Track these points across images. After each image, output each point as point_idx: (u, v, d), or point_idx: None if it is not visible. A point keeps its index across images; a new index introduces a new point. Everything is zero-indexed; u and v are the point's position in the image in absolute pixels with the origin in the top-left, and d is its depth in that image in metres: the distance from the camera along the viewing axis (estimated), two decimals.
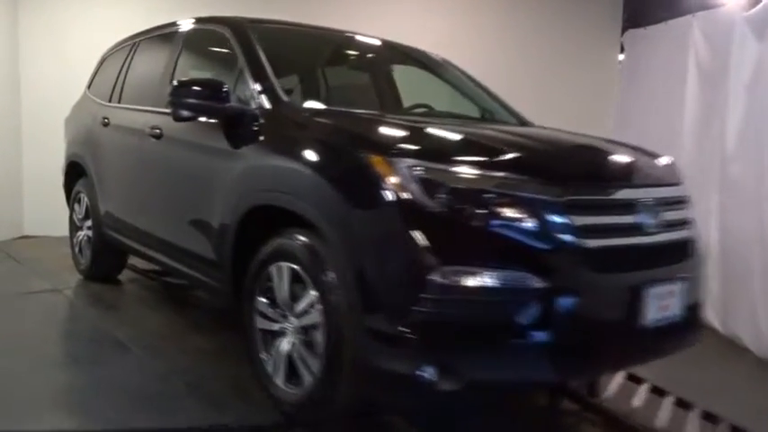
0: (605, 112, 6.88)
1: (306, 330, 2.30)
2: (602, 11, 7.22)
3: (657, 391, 3.06)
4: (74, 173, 4.49)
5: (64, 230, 5.17)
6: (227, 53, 3.06)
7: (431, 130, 2.46)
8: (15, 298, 3.99)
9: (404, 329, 1.97)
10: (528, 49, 6.97)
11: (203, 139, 2.93)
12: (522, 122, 3.49)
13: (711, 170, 4.60)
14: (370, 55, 3.69)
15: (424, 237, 1.97)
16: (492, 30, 6.87)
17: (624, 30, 7.10)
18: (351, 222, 2.13)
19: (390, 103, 3.70)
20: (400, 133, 2.35)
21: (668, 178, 2.54)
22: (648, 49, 6.47)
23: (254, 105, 2.71)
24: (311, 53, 3.39)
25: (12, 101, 6.02)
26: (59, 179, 4.83)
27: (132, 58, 4.12)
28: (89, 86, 4.74)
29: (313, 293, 2.24)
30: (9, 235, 5.99)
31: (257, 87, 2.74)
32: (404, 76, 3.70)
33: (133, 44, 4.21)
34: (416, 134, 2.38)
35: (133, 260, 4.40)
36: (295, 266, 2.33)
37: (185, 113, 2.76)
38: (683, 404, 2.97)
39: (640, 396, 3.02)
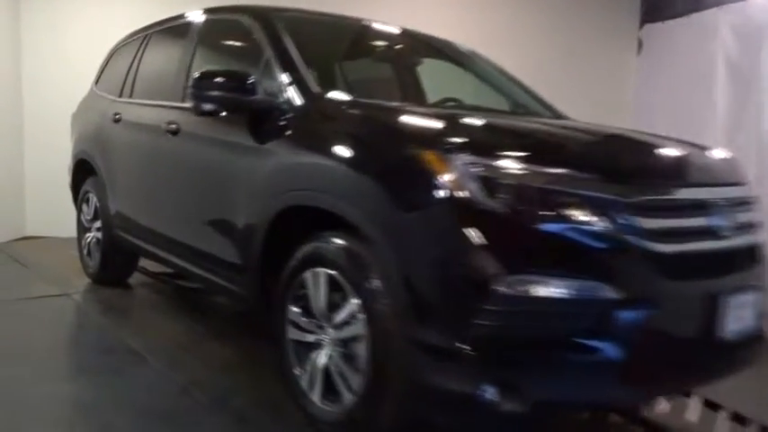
0: (621, 107, 6.71)
1: (346, 343, 2.10)
2: (619, 6, 7.04)
3: (711, 405, 2.86)
4: (82, 172, 4.29)
5: (68, 231, 5.13)
6: (249, 44, 2.87)
7: (482, 124, 2.26)
8: (20, 303, 3.78)
9: (462, 345, 1.78)
10: (543, 44, 6.79)
11: (226, 134, 2.73)
12: (558, 116, 3.30)
13: (748, 164, 4.42)
14: (400, 45, 3.49)
15: (485, 241, 1.77)
16: (505, 23, 6.70)
17: (642, 24, 6.95)
18: (399, 224, 1.93)
19: (416, 97, 3.51)
20: (451, 126, 2.15)
21: (734, 177, 2.34)
22: (669, 43, 6.31)
23: (282, 98, 2.52)
24: (338, 43, 3.19)
25: (14, 99, 5.90)
26: (62, 178, 4.68)
27: (144, 52, 3.92)
28: (97, 82, 4.54)
29: (354, 302, 2.04)
30: (11, 236, 5.82)
31: (286, 79, 2.54)
32: (429, 68, 3.51)
33: (144, 37, 4.02)
34: (468, 127, 2.18)
35: (144, 262, 4.20)
36: (333, 272, 2.14)
37: (208, 107, 2.56)
38: (739, 419, 2.78)
39: (693, 410, 2.83)
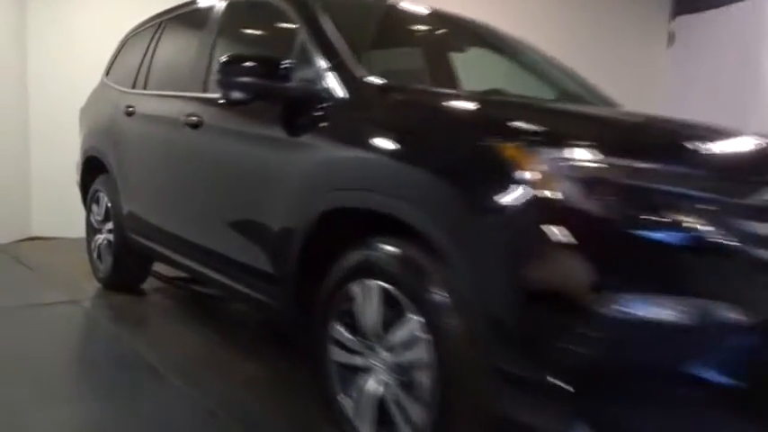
0: (649, 100, 6.43)
1: (404, 368, 1.80)
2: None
3: None
4: (91, 169, 4.01)
5: (75, 232, 4.92)
6: (280, 27, 2.58)
7: (565, 113, 1.96)
8: (26, 311, 3.50)
9: (553, 376, 1.48)
10: (568, 38, 6.48)
11: (256, 126, 2.44)
12: (614, 106, 3.00)
13: None
14: (445, 30, 3.17)
15: (581, 251, 1.48)
16: (530, 16, 6.41)
17: (673, 16, 6.67)
18: (473, 229, 1.63)
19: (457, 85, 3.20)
20: (531, 116, 1.85)
21: None
22: (708, 34, 6.01)
23: (321, 85, 2.22)
24: (379, 25, 2.89)
25: (19, 94, 5.72)
26: (69, 177, 4.44)
27: (159, 40, 3.63)
28: (107, 73, 4.26)
29: (415, 320, 1.75)
30: (17, 236, 5.59)
31: (326, 64, 2.25)
32: (473, 55, 3.20)
33: (159, 24, 3.73)
34: (551, 117, 1.88)
35: (157, 266, 3.91)
36: (387, 286, 1.84)
37: (237, 95, 2.27)
38: None
39: None
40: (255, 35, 3.02)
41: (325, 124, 2.15)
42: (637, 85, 6.59)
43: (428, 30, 3.14)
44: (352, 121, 2.08)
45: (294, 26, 2.47)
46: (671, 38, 6.64)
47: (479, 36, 3.15)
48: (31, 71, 5.73)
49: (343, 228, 2.05)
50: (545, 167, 1.54)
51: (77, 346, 3.19)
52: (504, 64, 3.16)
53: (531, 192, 1.53)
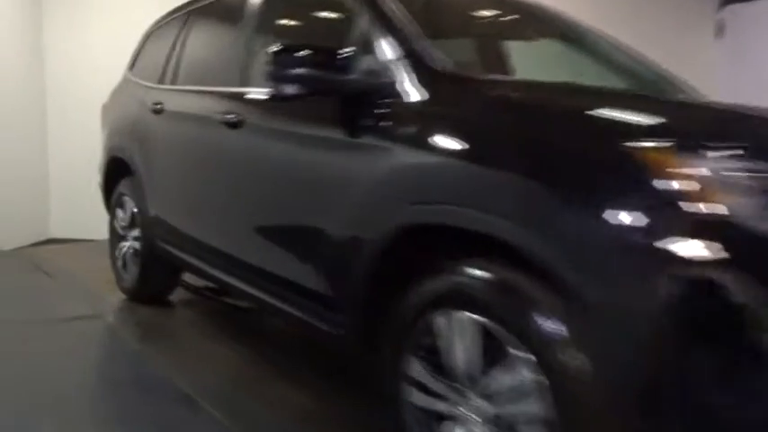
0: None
1: (506, 422, 1.48)
2: None
3: None
4: (116, 171, 3.72)
5: (94, 233, 4.80)
6: (335, 12, 2.27)
7: (691, 107, 1.63)
8: (46, 327, 3.21)
9: None
10: (613, 31, 6.14)
11: (309, 126, 2.13)
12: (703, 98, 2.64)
13: None
14: (518, 17, 2.82)
15: (756, 279, 1.15)
16: (574, 8, 6.05)
17: (722, 5, 6.29)
18: (605, 253, 1.30)
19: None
20: (662, 112, 1.52)
21: None
22: (758, 23, 5.66)
23: (389, 78, 1.90)
24: (446, 11, 2.56)
25: (36, 94, 5.61)
26: (88, 178, 4.26)
27: (187, 32, 3.33)
28: (131, 68, 3.97)
29: (521, 357, 1.42)
30: (34, 238, 5.40)
31: (396, 53, 1.92)
32: (544, 45, 2.85)
33: (186, 15, 3.43)
34: (683, 113, 1.55)
35: (185, 275, 3.62)
36: (483, 319, 1.52)
37: (290, 89, 1.96)
38: None
39: None
40: (302, 23, 2.69)
41: (396, 123, 1.83)
42: (684, 75, 6.24)
43: (496, 15, 2.80)
44: (433, 120, 1.74)
45: (350, 11, 2.14)
46: (719, 28, 6.25)
47: (548, 22, 2.80)
48: (48, 70, 5.62)
49: (422, 246, 1.73)
50: (702, 175, 1.21)
51: (101, 368, 2.89)
52: (573, 52, 2.82)
53: (686, 205, 1.20)
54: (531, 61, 2.66)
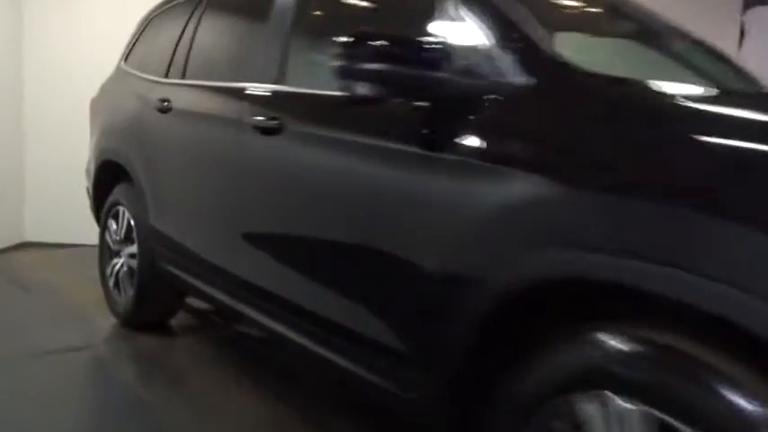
0: None
1: None
2: None
3: None
4: (109, 176, 3.24)
5: (75, 237, 4.60)
6: None
7: None
8: (23, 363, 2.67)
9: None
10: None
11: (383, 137, 1.69)
12: None
13: None
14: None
15: None
16: None
17: (745, 8, 6.04)
18: None
19: None
20: None
21: None
22: None
23: (497, 76, 1.48)
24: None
25: (13, 86, 5.05)
26: (68, 177, 4.09)
27: (201, 17, 2.85)
28: (126, 58, 3.49)
29: None
30: (7, 241, 4.96)
31: (502, 45, 1.50)
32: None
33: None
34: None
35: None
36: (659, 413, 1.10)
37: (367, 89, 1.53)
38: None
39: None
40: (367, 5, 2.22)
41: (521, 140, 1.40)
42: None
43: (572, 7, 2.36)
44: (578, 138, 1.31)
45: None
46: (743, 32, 6.00)
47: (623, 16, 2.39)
48: (27, 63, 5.08)
49: (548, 302, 1.32)
50: None
51: (96, 424, 2.35)
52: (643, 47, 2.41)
53: None
54: (601, 57, 2.26)
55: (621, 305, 1.22)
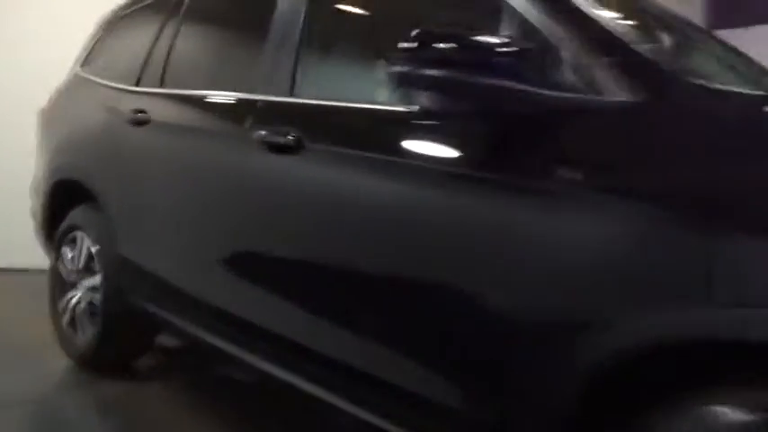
0: None
1: None
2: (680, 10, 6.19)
3: None
4: (64, 197, 2.82)
5: (16, 260, 4.12)
6: None
7: None
8: None
9: None
10: None
11: (445, 161, 1.43)
12: None
13: None
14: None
15: None
16: None
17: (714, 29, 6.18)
18: None
19: None
20: None
21: None
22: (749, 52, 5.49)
23: (600, 92, 1.25)
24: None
25: None
26: (11, 192, 3.51)
27: (183, 17, 2.51)
28: (83, 63, 3.10)
29: None
30: None
31: (613, 59, 1.27)
32: None
33: None
34: None
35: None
36: None
37: (439, 102, 1.27)
38: None
39: None
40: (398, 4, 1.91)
41: (636, 167, 1.17)
42: None
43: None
44: (706, 164, 1.09)
45: None
46: None
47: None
48: None
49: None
50: None
51: None
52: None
53: None
54: None
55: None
